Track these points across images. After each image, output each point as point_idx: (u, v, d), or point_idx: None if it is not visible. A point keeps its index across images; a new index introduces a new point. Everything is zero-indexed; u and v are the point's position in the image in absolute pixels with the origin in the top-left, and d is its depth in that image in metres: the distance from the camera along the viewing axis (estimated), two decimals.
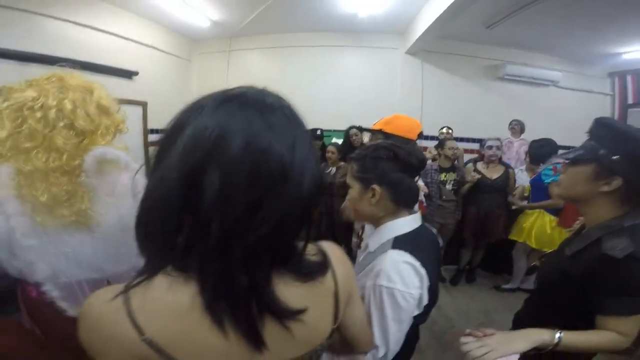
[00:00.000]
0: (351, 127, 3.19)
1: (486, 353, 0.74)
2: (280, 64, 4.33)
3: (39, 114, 0.77)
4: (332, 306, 0.51)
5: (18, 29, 2.54)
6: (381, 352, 0.80)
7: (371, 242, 0.86)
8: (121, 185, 0.87)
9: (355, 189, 0.87)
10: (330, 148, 2.94)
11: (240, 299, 0.40)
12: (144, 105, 3.47)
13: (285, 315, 0.43)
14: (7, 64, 2.46)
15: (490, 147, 2.72)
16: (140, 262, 0.87)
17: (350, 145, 3.07)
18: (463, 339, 0.79)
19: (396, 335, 0.78)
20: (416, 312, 0.80)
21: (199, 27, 3.75)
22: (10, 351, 0.47)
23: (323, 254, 0.50)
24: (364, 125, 3.09)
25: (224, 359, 0.44)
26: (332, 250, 0.53)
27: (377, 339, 0.77)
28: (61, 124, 0.80)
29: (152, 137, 3.61)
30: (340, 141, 3.18)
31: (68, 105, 0.81)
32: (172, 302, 0.41)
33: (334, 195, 2.75)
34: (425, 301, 0.80)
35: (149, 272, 0.43)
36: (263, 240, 0.37)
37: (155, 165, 0.40)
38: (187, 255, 0.38)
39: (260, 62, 4.41)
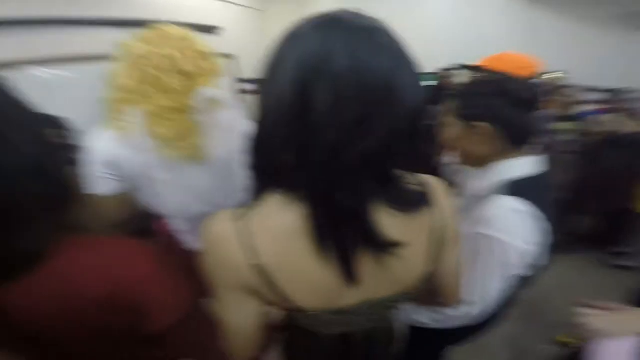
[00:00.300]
0: (446, 68, 2.96)
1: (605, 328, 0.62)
2: (358, 4, 4.12)
3: (154, 62, 0.85)
4: (429, 246, 0.49)
5: None
6: (476, 310, 0.74)
7: (475, 185, 0.80)
8: (226, 121, 0.92)
9: (456, 127, 0.81)
10: None
11: (341, 220, 0.41)
12: (230, 57, 3.65)
13: (383, 245, 0.43)
14: (112, 32, 2.78)
15: None
16: (244, 198, 0.87)
17: (443, 87, 2.86)
18: (581, 310, 0.69)
19: (493, 293, 0.72)
20: (521, 273, 0.72)
21: None
22: (147, 277, 0.52)
23: (425, 187, 0.48)
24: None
25: (318, 287, 0.46)
26: (436, 184, 0.51)
27: (472, 294, 0.71)
28: (172, 69, 0.86)
29: (246, 86, 3.85)
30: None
31: (175, 53, 0.87)
32: (279, 223, 0.43)
33: None
34: (535, 261, 0.72)
35: (259, 194, 0.45)
36: (369, 156, 0.38)
37: (263, 92, 0.42)
38: (295, 173, 0.40)
39: (335, 4, 4.27)
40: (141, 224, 1.06)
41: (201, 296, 0.56)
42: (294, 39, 0.40)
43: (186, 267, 0.57)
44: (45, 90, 2.08)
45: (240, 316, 0.50)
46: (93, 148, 0.84)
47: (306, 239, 0.42)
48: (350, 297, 0.49)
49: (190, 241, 1.03)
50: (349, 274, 0.44)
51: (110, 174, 0.86)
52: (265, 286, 0.45)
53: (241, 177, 1.01)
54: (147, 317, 0.50)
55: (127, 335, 0.52)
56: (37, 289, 0.47)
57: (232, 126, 0.93)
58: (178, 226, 1.04)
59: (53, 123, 0.98)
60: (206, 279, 0.48)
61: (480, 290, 0.73)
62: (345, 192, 0.39)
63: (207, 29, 3.44)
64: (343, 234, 0.41)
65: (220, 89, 0.94)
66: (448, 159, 1.19)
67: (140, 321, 0.50)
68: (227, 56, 3.61)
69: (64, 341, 0.51)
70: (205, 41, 0.98)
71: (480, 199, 0.78)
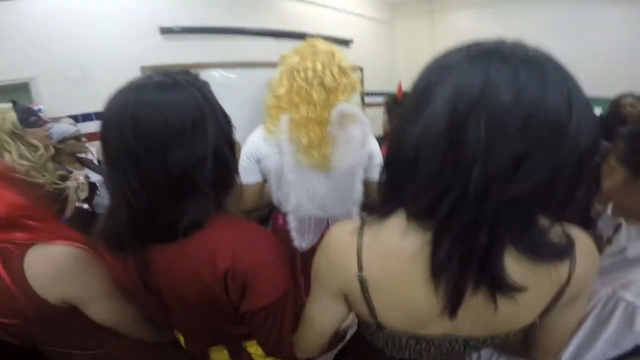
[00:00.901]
0: (624, 95, 2.36)
1: None
2: (497, 23, 3.70)
3: (302, 74, 0.96)
4: (549, 298, 0.45)
5: (269, 10, 3.28)
6: None
7: (633, 248, 0.68)
8: (354, 137, 0.98)
9: (620, 175, 0.69)
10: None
11: (468, 256, 0.39)
12: (360, 70, 3.80)
13: (503, 288, 0.40)
14: (268, 40, 3.29)
15: None
16: (354, 208, 0.96)
17: (618, 117, 2.28)
18: None
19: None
20: None
21: None
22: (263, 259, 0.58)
23: (569, 239, 0.43)
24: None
25: (410, 310, 0.46)
26: (582, 238, 0.45)
27: (571, 354, 0.64)
28: (315, 82, 0.96)
29: (368, 99, 3.92)
30: (598, 111, 2.47)
31: (319, 66, 0.96)
32: (394, 243, 0.44)
33: None
34: None
35: (384, 212, 0.46)
36: (520, 198, 0.35)
37: (408, 119, 0.41)
38: (432, 202, 0.38)
39: (469, 22, 3.93)
40: (264, 213, 1.22)
41: (290, 288, 0.62)
42: (446, 69, 0.38)
43: (290, 261, 0.64)
44: (219, 90, 2.67)
45: (325, 315, 0.56)
46: (246, 143, 1.01)
47: (416, 263, 0.42)
48: (437, 327, 0.48)
49: (298, 239, 1.13)
50: (454, 308, 0.42)
51: (254, 167, 1.01)
52: (359, 296, 0.47)
53: (358, 190, 1.05)
54: (252, 293, 0.56)
55: (229, 307, 0.59)
56: (183, 252, 0.55)
57: (360, 141, 0.98)
58: (291, 223, 1.15)
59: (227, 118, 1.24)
60: (312, 275, 0.54)
61: (586, 352, 0.63)
62: (481, 230, 0.37)
63: (343, 42, 3.69)
64: (466, 269, 0.40)
65: (354, 105, 1.00)
66: (602, 207, 0.98)
67: (245, 297, 0.57)
68: (357, 68, 3.78)
69: (183, 303, 0.60)
70: (346, 58, 1.05)
71: (633, 260, 0.66)
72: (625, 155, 0.68)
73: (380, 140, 1.20)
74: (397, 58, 4.64)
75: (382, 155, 1.11)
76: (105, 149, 0.53)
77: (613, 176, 0.70)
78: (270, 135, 0.99)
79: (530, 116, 0.33)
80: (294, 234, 1.10)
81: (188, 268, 0.55)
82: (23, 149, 1.09)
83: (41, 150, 1.13)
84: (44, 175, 1.11)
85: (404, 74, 4.49)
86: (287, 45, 3.12)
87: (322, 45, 1.03)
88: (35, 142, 1.13)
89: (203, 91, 0.56)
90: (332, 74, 0.97)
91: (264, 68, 3.02)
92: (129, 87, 0.53)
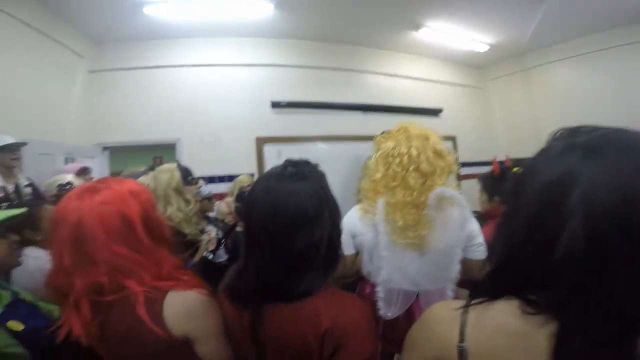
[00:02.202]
0: None
1: None
2: (599, 72, 3.32)
3: (397, 160, 1.04)
4: None
5: (358, 85, 3.51)
6: None
7: None
8: (452, 219, 0.99)
9: None
10: None
11: (603, 346, 0.39)
12: (453, 139, 3.78)
13: None
14: (355, 114, 3.56)
15: None
16: (449, 285, 0.98)
17: None
18: None
19: None
20: None
21: (479, 53, 3.68)
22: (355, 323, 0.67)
23: None
24: None
25: None
26: None
27: None
28: (411, 167, 1.02)
29: (463, 170, 3.85)
30: None
31: (414, 152, 1.03)
32: (505, 325, 0.46)
33: None
34: None
35: (492, 295, 0.49)
36: None
37: (513, 201, 0.46)
38: (564, 301, 0.40)
39: (568, 74, 3.59)
40: (349, 282, 1.26)
41: (377, 352, 0.68)
42: (574, 173, 0.39)
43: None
44: (316, 161, 3.00)
45: None
46: (344, 219, 1.11)
47: (524, 343, 0.44)
48: None
49: (383, 308, 1.12)
50: None
51: (349, 241, 1.10)
52: None
53: (455, 269, 1.04)
54: (344, 352, 0.63)
55: None
56: (293, 312, 0.66)
57: (459, 224, 0.99)
58: (380, 293, 1.16)
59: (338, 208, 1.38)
60: (406, 343, 0.59)
61: None
62: (616, 323, 0.38)
63: (432, 112, 3.77)
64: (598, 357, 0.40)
65: (452, 188, 1.03)
66: None
67: (336, 355, 0.64)
68: (449, 138, 3.72)
69: (280, 355, 0.68)
70: (440, 140, 1.11)
71: None
72: None
73: (479, 218, 1.17)
74: (492, 123, 4.47)
75: (483, 234, 1.09)
76: (248, 223, 0.70)
77: None
78: (366, 215, 1.07)
79: (633, 216, 0.34)
80: (380, 304, 1.11)
81: (294, 325, 0.65)
82: (181, 203, 1.39)
83: (192, 205, 1.43)
84: (189, 227, 1.39)
85: (501, 140, 4.25)
86: (374, 118, 3.34)
87: (414, 129, 1.10)
88: (189, 197, 1.44)
89: (322, 182, 0.71)
90: (428, 159, 1.03)
91: (352, 141, 3.34)
92: (270, 176, 0.70)
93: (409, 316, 1.15)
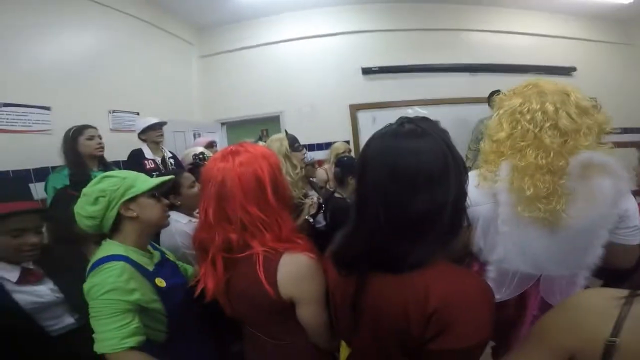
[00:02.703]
0: None
1: None
2: None
3: (528, 116, 0.87)
4: None
5: (461, 45, 3.21)
6: None
7: None
8: (601, 192, 0.79)
9: None
10: None
11: None
12: (593, 101, 3.17)
13: None
14: (459, 76, 3.18)
15: None
16: (582, 272, 0.85)
17: None
18: None
19: None
20: None
21: (622, 4, 2.96)
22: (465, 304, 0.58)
23: None
24: None
25: None
26: None
27: None
28: (547, 124, 0.85)
29: (624, 137, 3.21)
30: None
31: (550, 107, 0.85)
32: None
33: None
34: None
35: None
36: None
37: None
38: None
39: None
40: (458, 257, 1.17)
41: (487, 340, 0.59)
42: None
43: None
44: None
45: None
46: None
47: None
48: None
49: (493, 289, 1.01)
50: None
51: None
52: None
53: (596, 254, 0.85)
54: (451, 334, 0.55)
55: (418, 343, 0.59)
56: (400, 284, 0.59)
57: (611, 199, 0.79)
58: (491, 273, 1.04)
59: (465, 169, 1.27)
60: (535, 328, 0.55)
61: None
62: None
63: (564, 71, 3.10)
64: None
65: (604, 153, 0.82)
66: None
67: (441, 336, 0.56)
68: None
69: (376, 327, 0.64)
70: (585, 96, 0.89)
71: None
72: None
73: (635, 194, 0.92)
74: (636, 86, 3.58)
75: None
76: (362, 184, 0.64)
77: None
78: (484, 182, 0.94)
79: None
80: (490, 284, 0.99)
81: (398, 299, 0.59)
82: (290, 168, 1.49)
83: (298, 170, 1.53)
84: (295, 191, 1.49)
85: None
86: (484, 79, 2.94)
87: (548, 84, 0.91)
88: (297, 162, 1.53)
89: (446, 140, 0.61)
90: (569, 115, 0.84)
91: (457, 105, 3.11)
92: (385, 135, 0.63)
93: (521, 302, 1.02)
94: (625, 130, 3.17)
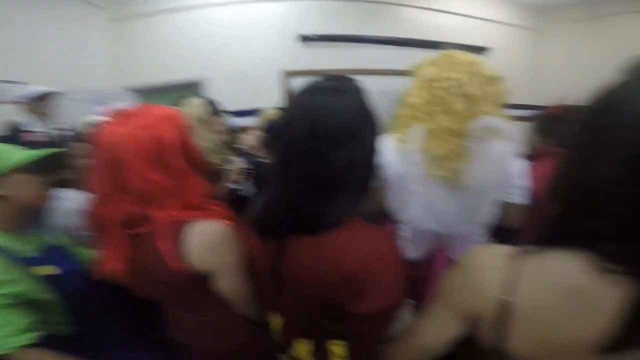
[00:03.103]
0: None
1: None
2: None
3: (442, 84, 0.92)
4: None
5: (396, 19, 3.29)
6: None
7: None
8: (494, 153, 0.88)
9: None
10: None
11: None
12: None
13: None
14: (391, 49, 3.29)
15: None
16: (480, 230, 0.90)
17: None
18: None
19: None
20: None
21: None
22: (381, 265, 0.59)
23: None
24: None
25: (558, 347, 0.44)
26: None
27: None
28: (457, 91, 0.90)
29: (508, 112, 3.65)
30: None
31: (460, 76, 0.91)
32: (569, 280, 0.41)
33: None
34: None
35: (554, 243, 0.43)
36: None
37: (586, 143, 0.39)
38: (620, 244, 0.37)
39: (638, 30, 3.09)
40: (377, 219, 1.22)
41: (402, 300, 0.62)
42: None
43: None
44: None
45: (437, 334, 0.56)
46: None
47: (586, 300, 0.41)
48: None
49: (407, 249, 1.09)
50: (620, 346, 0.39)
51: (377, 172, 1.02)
52: (493, 321, 0.46)
53: (490, 211, 0.95)
54: (367, 298, 0.57)
55: (339, 306, 0.60)
56: (318, 246, 0.59)
57: (503, 160, 0.87)
58: (404, 232, 1.11)
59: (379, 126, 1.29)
60: (436, 291, 0.55)
61: None
62: None
63: (478, 50, 3.36)
64: None
65: (500, 118, 0.90)
66: None
67: (358, 299, 0.58)
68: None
69: (299, 292, 0.64)
70: (491, 67, 0.96)
71: None
72: None
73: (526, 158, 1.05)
74: (543, 69, 4.08)
75: (532, 176, 0.98)
76: (280, 144, 0.61)
77: None
78: (399, 144, 0.98)
79: None
80: (404, 243, 1.07)
81: (318, 261, 0.60)
82: (208, 134, 1.38)
83: (218, 136, 1.42)
84: (216, 157, 1.39)
85: (551, 87, 3.84)
86: (413, 54, 3.08)
87: (461, 56, 0.97)
88: (216, 128, 1.42)
89: (364, 98, 0.61)
90: (476, 83, 0.91)
91: (388, 76, 3.12)
92: (306, 92, 0.60)
93: (430, 261, 1.11)
94: (527, 107, 3.59)
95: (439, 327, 0.56)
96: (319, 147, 0.56)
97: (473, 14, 3.53)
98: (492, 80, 0.94)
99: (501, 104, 0.95)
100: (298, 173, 0.58)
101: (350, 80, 0.64)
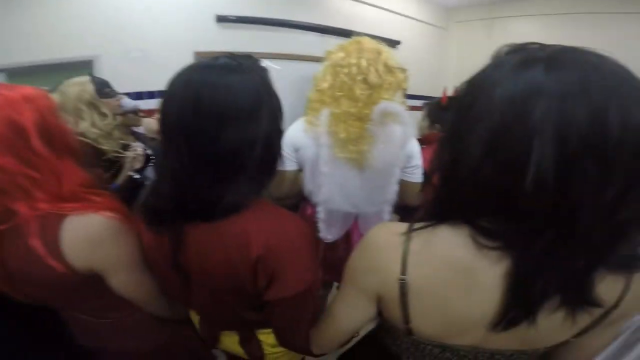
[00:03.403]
0: None
1: None
2: (564, 34, 3.39)
3: (346, 70, 0.96)
4: (593, 319, 0.43)
5: (316, 6, 3.31)
6: None
7: None
8: (394, 135, 0.96)
9: None
10: None
11: (569, 282, 0.38)
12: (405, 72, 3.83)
13: (590, 304, 0.39)
14: (313, 35, 3.33)
15: None
16: (386, 208, 0.96)
17: None
18: None
19: None
20: None
21: None
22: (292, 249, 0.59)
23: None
24: None
25: (453, 323, 0.45)
26: None
27: None
28: (359, 77, 0.95)
29: (412, 102, 3.90)
30: None
31: (364, 63, 0.96)
32: (452, 255, 0.43)
33: None
34: None
35: (437, 219, 0.45)
36: (626, 225, 0.35)
37: (457, 128, 0.42)
38: (530, 236, 0.37)
39: (532, 31, 3.67)
40: (293, 202, 1.24)
41: (317, 281, 0.62)
42: (534, 89, 0.35)
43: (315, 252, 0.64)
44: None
45: (352, 314, 0.56)
46: (287, 132, 1.03)
47: (471, 275, 0.42)
48: (468, 339, 0.47)
49: (324, 230, 1.14)
50: (510, 325, 0.42)
51: (292, 155, 1.03)
52: (396, 300, 0.46)
53: (392, 190, 1.04)
54: (279, 283, 0.56)
55: (254, 294, 0.59)
56: (218, 233, 0.56)
57: (400, 141, 0.96)
58: (320, 214, 1.16)
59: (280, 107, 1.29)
60: (345, 273, 0.55)
61: None
62: (580, 259, 0.37)
63: (391, 43, 3.61)
64: (553, 292, 0.39)
65: (398, 104, 0.98)
66: None
67: (272, 285, 0.57)
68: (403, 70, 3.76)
69: (209, 283, 0.61)
70: (394, 56, 1.04)
71: None
72: None
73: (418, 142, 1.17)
74: (446, 64, 4.48)
75: (423, 157, 1.09)
76: (164, 123, 0.55)
77: None
78: (310, 127, 1.00)
79: (636, 148, 0.32)
80: (321, 225, 1.11)
81: (221, 250, 0.56)
82: (96, 117, 1.19)
83: (110, 119, 1.23)
84: (109, 143, 1.21)
85: (452, 81, 4.35)
86: (332, 42, 3.15)
87: (368, 43, 1.02)
88: (106, 110, 1.23)
89: (263, 77, 0.58)
90: (377, 71, 0.97)
91: (307, 62, 3.14)
92: (194, 67, 0.55)
93: (347, 241, 1.17)
94: (426, 98, 4.02)
95: (352, 309, 0.55)
96: (203, 127, 0.52)
97: (388, 7, 3.71)
98: (393, 69, 1.01)
99: (401, 92, 1.03)
100: (185, 155, 0.53)
101: (252, 59, 0.61)
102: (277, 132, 0.60)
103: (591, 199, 0.33)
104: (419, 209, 1.17)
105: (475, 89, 0.41)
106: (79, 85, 1.22)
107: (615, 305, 0.42)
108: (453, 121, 0.43)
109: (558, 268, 0.38)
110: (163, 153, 0.57)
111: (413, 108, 3.56)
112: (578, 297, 0.39)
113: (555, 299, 0.39)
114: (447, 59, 4.41)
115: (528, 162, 0.33)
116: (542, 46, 0.39)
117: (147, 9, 2.68)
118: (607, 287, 0.40)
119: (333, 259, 1.13)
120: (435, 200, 0.46)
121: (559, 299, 0.39)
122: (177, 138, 0.53)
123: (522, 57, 0.38)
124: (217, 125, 0.52)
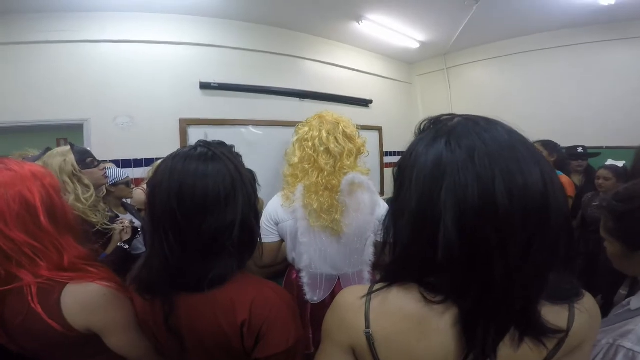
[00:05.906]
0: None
1: None
2: (509, 73, 3.78)
3: (310, 143, 1.08)
4: (549, 350, 0.46)
5: (293, 72, 3.51)
6: None
7: (635, 300, 0.72)
8: (363, 203, 1.06)
9: (614, 247, 0.73)
10: (602, 172, 2.23)
11: (508, 320, 0.42)
12: (379, 129, 3.98)
13: (545, 333, 0.43)
14: (292, 100, 3.52)
15: None
16: (365, 268, 1.03)
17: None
18: None
19: None
20: None
21: (411, 49, 3.90)
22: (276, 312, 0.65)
23: (576, 290, 0.47)
24: None
25: None
26: (587, 297, 0.49)
27: None
28: (321, 148, 1.07)
29: (387, 159, 3.98)
30: (621, 163, 2.30)
31: (324, 134, 1.08)
32: (404, 308, 0.48)
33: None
34: None
35: (390, 281, 0.51)
36: (541, 267, 0.39)
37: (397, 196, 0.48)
38: (459, 287, 0.42)
39: (481, 74, 4.01)
40: (280, 269, 1.30)
41: (300, 338, 0.67)
42: (446, 167, 0.40)
43: (300, 313, 0.70)
44: (247, 146, 2.86)
45: None
46: (267, 207, 1.13)
47: (424, 324, 0.46)
48: None
49: (309, 293, 1.19)
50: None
51: (273, 229, 1.12)
52: (367, 350, 0.51)
53: (368, 252, 1.12)
54: (266, 342, 0.62)
55: (242, 354, 0.64)
56: (207, 302, 0.63)
57: (369, 208, 1.06)
58: (304, 279, 1.21)
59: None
60: (322, 331, 0.60)
61: None
62: (515, 302, 0.41)
63: (363, 102, 3.87)
64: (504, 332, 0.43)
65: (362, 174, 1.10)
66: None
67: (259, 344, 0.62)
68: (376, 128, 3.91)
69: (200, 346, 0.65)
70: (351, 125, 1.16)
71: (634, 312, 0.70)
72: (616, 231, 0.72)
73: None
74: (416, 116, 4.71)
75: None
76: (151, 207, 0.64)
77: (608, 245, 0.74)
78: (287, 202, 1.09)
79: (525, 210, 0.37)
80: (306, 289, 1.17)
81: (210, 316, 0.63)
82: (80, 190, 1.18)
83: (92, 191, 1.21)
84: (96, 215, 1.22)
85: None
86: (311, 106, 3.34)
87: (329, 116, 1.15)
88: (87, 182, 1.21)
89: (236, 164, 0.67)
90: (337, 140, 1.08)
91: (288, 127, 3.09)
92: (176, 156, 0.65)
93: (332, 301, 1.23)
94: (400, 154, 4.10)
95: None
96: (186, 213, 0.60)
97: (359, 68, 3.94)
98: (352, 136, 1.13)
99: (361, 155, 1.15)
100: (171, 236, 0.61)
101: (226, 146, 0.71)
102: (252, 214, 0.68)
103: (499, 256, 0.38)
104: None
105: (401, 172, 0.48)
106: (61, 156, 1.22)
107: (567, 331, 0.45)
108: (391, 203, 0.52)
109: (495, 310, 0.42)
110: (151, 235, 0.65)
111: (387, 165, 3.58)
112: (529, 329, 0.43)
113: (514, 332, 0.43)
114: (415, 111, 4.68)
115: (440, 240, 0.39)
116: (451, 117, 0.46)
117: (135, 75, 2.80)
118: (555, 316, 0.44)
119: (321, 318, 1.16)
120: (389, 266, 0.53)
121: (517, 332, 0.43)
122: (164, 221, 0.61)
123: (433, 133, 0.45)
124: (198, 211, 0.61)
